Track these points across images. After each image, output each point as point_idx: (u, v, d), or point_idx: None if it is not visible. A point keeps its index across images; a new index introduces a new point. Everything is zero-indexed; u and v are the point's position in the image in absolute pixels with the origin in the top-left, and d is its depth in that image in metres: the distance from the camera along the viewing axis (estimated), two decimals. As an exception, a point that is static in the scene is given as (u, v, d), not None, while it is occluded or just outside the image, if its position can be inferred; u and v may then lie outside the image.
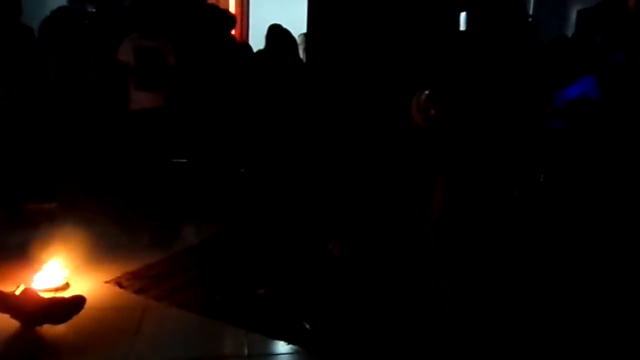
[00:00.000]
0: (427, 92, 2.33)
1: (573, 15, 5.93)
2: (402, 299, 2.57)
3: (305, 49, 4.52)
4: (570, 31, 5.69)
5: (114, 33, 4.20)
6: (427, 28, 3.35)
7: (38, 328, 2.13)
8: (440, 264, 2.39)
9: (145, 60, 4.05)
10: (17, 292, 2.24)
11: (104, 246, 3.11)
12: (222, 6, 5.94)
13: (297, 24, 5.08)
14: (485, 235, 2.26)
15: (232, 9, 6.74)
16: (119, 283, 2.64)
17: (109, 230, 3.42)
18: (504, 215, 2.30)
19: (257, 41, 4.95)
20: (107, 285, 2.63)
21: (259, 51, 4.63)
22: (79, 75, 3.86)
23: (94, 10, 4.80)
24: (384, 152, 3.08)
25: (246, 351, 2.10)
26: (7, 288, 2.22)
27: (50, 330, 2.13)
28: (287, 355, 2.13)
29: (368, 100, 3.31)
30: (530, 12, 6.35)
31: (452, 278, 2.34)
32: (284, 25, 4.61)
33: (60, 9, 4.03)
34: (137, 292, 2.57)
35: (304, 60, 4.69)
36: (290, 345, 2.15)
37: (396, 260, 2.95)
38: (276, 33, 4.57)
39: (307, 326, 2.29)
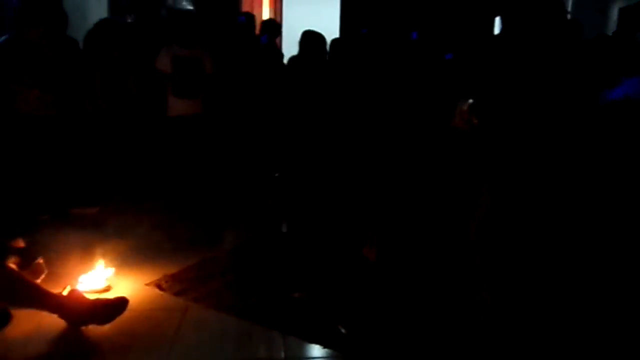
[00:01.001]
0: (470, 101, 2.30)
1: (615, 13, 5.74)
2: (440, 306, 2.54)
3: (329, 54, 4.55)
4: (611, 29, 5.51)
5: (152, 43, 4.34)
6: (463, 32, 3.32)
7: (84, 328, 2.21)
8: (481, 270, 2.35)
9: (183, 69, 4.16)
10: (64, 293, 2.34)
11: (143, 249, 3.20)
12: (255, 12, 6.05)
13: (329, 29, 5.12)
14: (529, 242, 2.21)
15: (265, 14, 6.84)
16: (159, 285, 2.71)
17: (148, 234, 3.52)
18: (549, 221, 2.24)
19: (289, 47, 5.02)
20: (148, 287, 2.70)
21: (293, 57, 4.69)
22: (122, 85, 3.99)
23: (133, 20, 4.97)
24: (422, 157, 3.07)
25: (283, 354, 2.12)
26: (54, 289, 2.31)
27: (95, 330, 2.20)
28: (323, 359, 2.13)
29: (404, 105, 3.31)
30: (569, 9, 6.18)
31: (493, 285, 2.30)
32: (317, 30, 4.65)
33: (103, 21, 4.18)
34: (177, 294, 2.63)
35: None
36: (326, 349, 2.16)
37: (434, 265, 2.92)
38: (310, 39, 4.62)
39: (343, 330, 2.30)
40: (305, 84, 4.31)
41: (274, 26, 4.88)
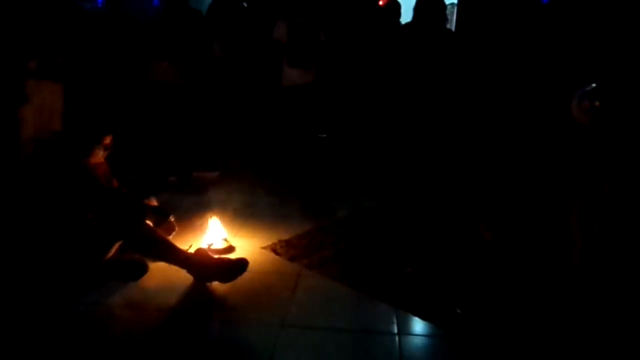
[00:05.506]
0: (593, 85, 2.14)
1: None
2: (558, 290, 2.36)
3: (457, 21, 4.28)
4: None
5: (268, 12, 4.41)
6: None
7: (208, 284, 2.37)
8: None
9: (298, 38, 4.18)
10: (191, 251, 2.51)
11: (258, 214, 3.35)
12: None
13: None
14: None
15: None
16: (274, 250, 2.82)
17: (262, 199, 3.68)
18: None
19: (404, 14, 4.81)
20: (264, 250, 2.82)
21: (407, 24, 4.49)
22: (241, 55, 4.14)
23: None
24: (541, 140, 2.83)
25: (396, 329, 2.10)
26: (179, 246, 2.48)
27: (218, 287, 2.36)
28: (437, 338, 2.07)
29: (531, 82, 3.02)
30: None
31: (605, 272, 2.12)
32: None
33: (224, -8, 4.31)
34: (291, 259, 2.71)
35: (453, 31, 4.46)
36: (441, 329, 2.10)
37: (551, 248, 2.71)
38: (425, 3, 4.37)
39: (458, 311, 2.21)
40: (420, 54, 4.11)
41: None
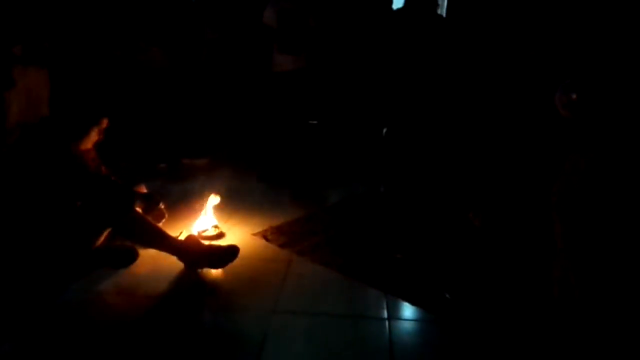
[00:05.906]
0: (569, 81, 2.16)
1: None
2: (545, 275, 2.39)
3: (448, 7, 4.26)
4: None
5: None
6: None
7: (199, 271, 2.38)
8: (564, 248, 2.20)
9: (287, 23, 4.13)
10: (182, 238, 2.51)
11: (249, 201, 3.35)
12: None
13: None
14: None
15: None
16: (265, 236, 2.82)
17: (253, 186, 3.68)
18: None
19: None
20: (255, 237, 2.82)
21: (398, 10, 4.47)
22: (231, 40, 4.09)
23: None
24: (528, 130, 2.86)
25: (386, 314, 2.12)
26: (170, 232, 2.48)
27: (209, 273, 2.37)
28: (427, 323, 2.10)
29: (515, 68, 3.03)
30: None
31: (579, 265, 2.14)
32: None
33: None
34: (282, 246, 2.72)
35: (444, 17, 4.44)
36: (430, 314, 2.12)
37: (537, 234, 2.74)
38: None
39: (448, 296, 2.24)
40: (411, 38, 4.09)
41: None
